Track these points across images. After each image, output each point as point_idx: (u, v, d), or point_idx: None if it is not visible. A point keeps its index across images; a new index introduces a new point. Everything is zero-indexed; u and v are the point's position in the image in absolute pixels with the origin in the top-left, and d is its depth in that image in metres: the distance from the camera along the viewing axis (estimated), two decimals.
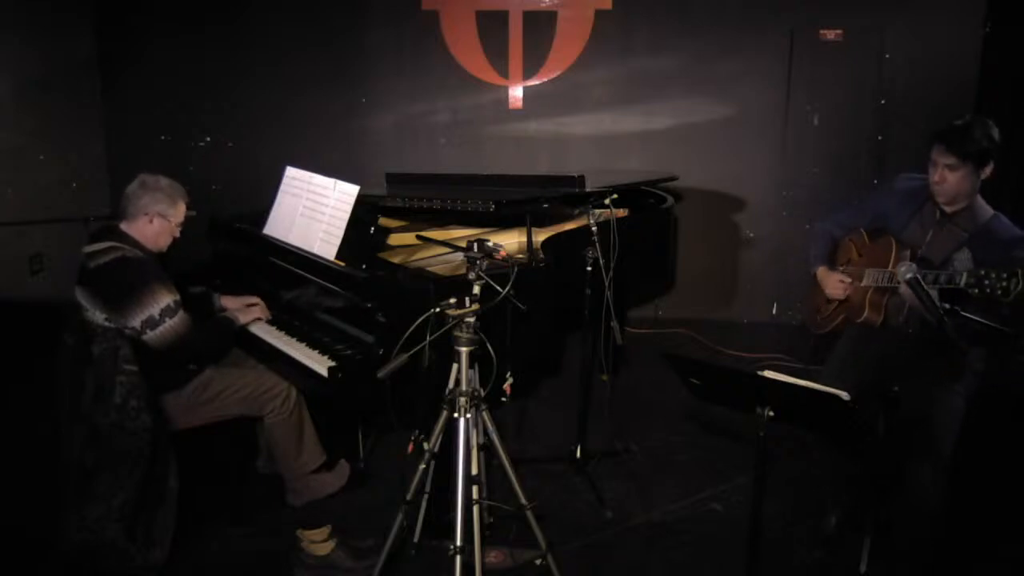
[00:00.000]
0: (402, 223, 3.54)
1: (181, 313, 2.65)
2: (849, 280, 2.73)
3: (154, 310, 2.58)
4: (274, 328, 3.00)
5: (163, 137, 5.45)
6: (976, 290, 2.13)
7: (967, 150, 2.43)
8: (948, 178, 2.48)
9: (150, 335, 2.59)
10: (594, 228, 2.92)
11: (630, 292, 4.94)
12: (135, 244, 2.67)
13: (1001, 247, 2.45)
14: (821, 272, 2.84)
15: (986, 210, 2.55)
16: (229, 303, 3.07)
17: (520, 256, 3.25)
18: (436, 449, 2.33)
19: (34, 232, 4.48)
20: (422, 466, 2.36)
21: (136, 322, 2.57)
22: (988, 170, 2.48)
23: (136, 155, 5.25)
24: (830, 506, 2.85)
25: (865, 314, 2.65)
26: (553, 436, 3.56)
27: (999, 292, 2.08)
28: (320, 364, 2.68)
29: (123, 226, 2.71)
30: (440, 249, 3.28)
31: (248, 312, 3.00)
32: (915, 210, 2.65)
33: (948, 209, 2.56)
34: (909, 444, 2.45)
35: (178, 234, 2.81)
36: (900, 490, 2.46)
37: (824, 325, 2.86)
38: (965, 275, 2.18)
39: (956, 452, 2.43)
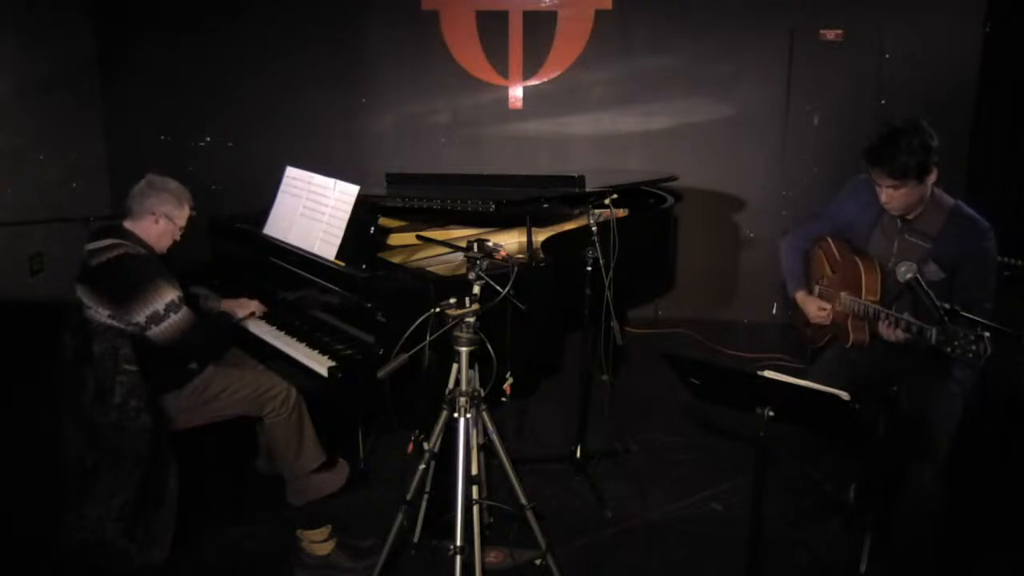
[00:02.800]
0: (402, 223, 3.54)
1: (185, 309, 2.65)
2: (829, 307, 2.70)
3: (159, 306, 2.58)
4: (274, 328, 3.01)
5: (163, 137, 5.45)
6: (948, 349, 2.06)
7: (903, 170, 2.35)
8: (894, 196, 2.44)
9: (154, 331, 2.59)
10: (594, 228, 2.92)
11: (630, 292, 4.94)
12: (138, 242, 2.68)
13: (967, 243, 2.43)
14: (800, 297, 2.82)
15: (944, 206, 2.50)
16: (224, 304, 3.07)
17: (520, 256, 3.25)
18: (436, 449, 2.34)
19: (34, 232, 4.48)
20: (422, 466, 2.36)
21: (140, 318, 2.57)
22: (932, 177, 2.42)
23: (136, 155, 5.25)
24: (847, 478, 2.83)
25: (852, 338, 2.62)
26: (553, 436, 3.56)
27: (970, 356, 2.01)
28: (320, 364, 2.68)
29: (127, 224, 2.71)
30: (440, 249, 3.29)
31: (244, 307, 3.00)
32: (876, 217, 2.62)
33: (907, 216, 2.54)
34: (908, 445, 2.45)
35: (179, 237, 2.82)
36: (900, 490, 2.46)
37: (816, 340, 2.84)
38: (935, 332, 2.12)
39: (956, 453, 2.43)
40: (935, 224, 2.49)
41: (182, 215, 2.79)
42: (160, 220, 2.72)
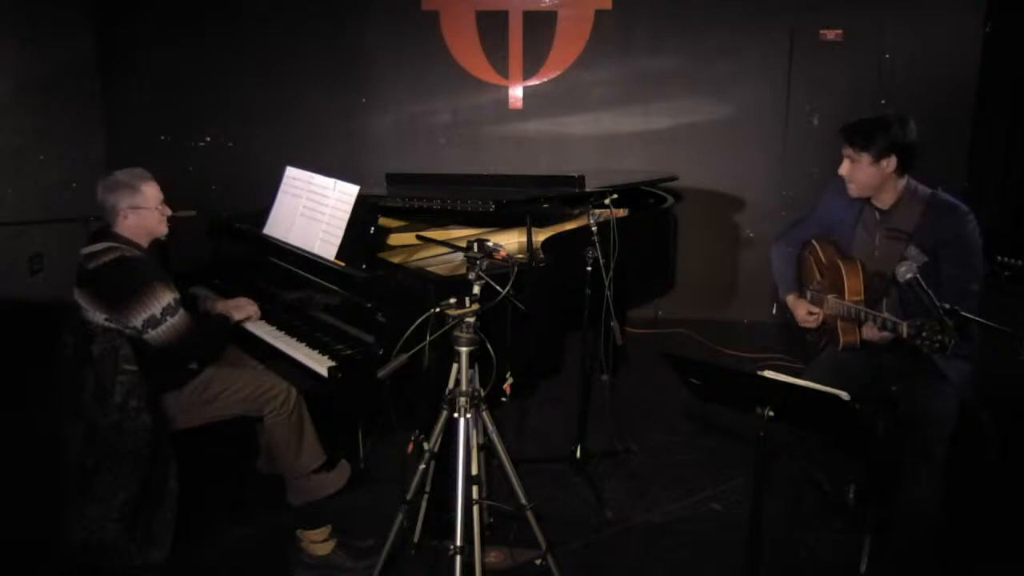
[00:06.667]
0: (402, 223, 3.54)
1: (182, 311, 2.65)
2: (818, 311, 2.71)
3: (155, 309, 2.58)
4: (274, 328, 3.00)
5: (163, 137, 5.45)
6: (918, 342, 2.06)
7: (861, 142, 2.45)
8: (848, 169, 2.52)
9: (151, 334, 2.59)
10: (594, 228, 2.92)
11: (630, 292, 4.94)
12: (130, 243, 2.67)
13: (947, 228, 2.45)
14: (791, 301, 2.83)
15: (920, 197, 2.53)
16: (220, 305, 3.07)
17: (520, 256, 3.25)
18: (436, 449, 2.34)
19: (34, 232, 4.48)
20: (422, 466, 2.36)
21: (138, 321, 2.57)
22: (890, 164, 2.46)
23: (136, 155, 5.16)
24: (847, 478, 2.83)
25: (842, 340, 2.62)
26: (553, 436, 3.56)
27: (937, 347, 2.01)
28: (320, 364, 2.68)
29: (114, 229, 2.71)
30: (440, 249, 3.28)
31: (241, 310, 3.00)
32: (857, 213, 2.66)
33: (880, 205, 2.57)
34: (904, 445, 2.45)
35: (167, 212, 2.77)
36: (900, 490, 2.46)
37: (817, 344, 2.85)
38: (905, 326, 2.12)
39: (956, 453, 2.43)
40: (913, 216, 2.52)
41: (146, 197, 2.70)
42: (129, 214, 2.68)
